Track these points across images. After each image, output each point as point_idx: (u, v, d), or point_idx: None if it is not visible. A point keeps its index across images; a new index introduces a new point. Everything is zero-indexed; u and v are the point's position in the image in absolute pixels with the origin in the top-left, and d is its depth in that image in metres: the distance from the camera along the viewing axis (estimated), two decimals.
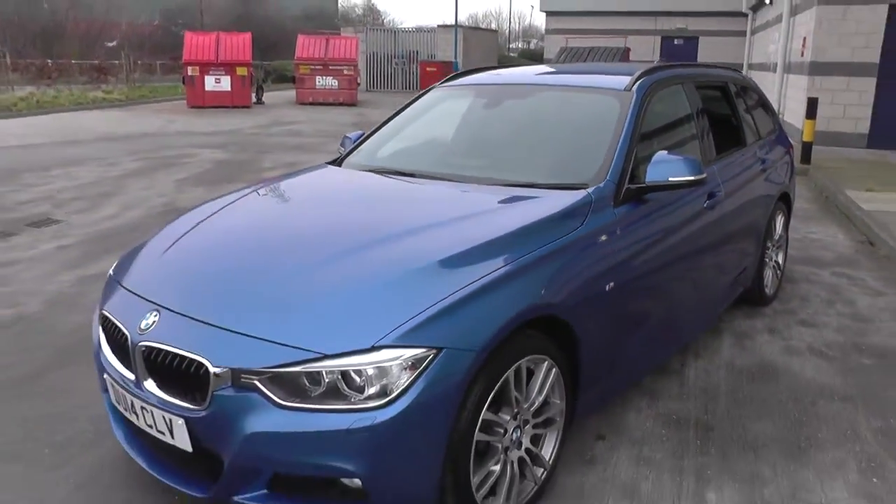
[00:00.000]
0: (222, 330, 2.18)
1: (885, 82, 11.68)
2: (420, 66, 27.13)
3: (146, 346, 2.26)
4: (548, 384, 2.48)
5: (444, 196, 3.08)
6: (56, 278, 5.15)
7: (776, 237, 4.74)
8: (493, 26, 59.24)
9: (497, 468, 2.36)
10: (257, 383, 2.06)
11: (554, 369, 2.49)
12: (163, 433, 2.26)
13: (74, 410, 3.26)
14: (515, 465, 2.44)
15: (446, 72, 26.51)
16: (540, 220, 2.65)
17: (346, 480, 2.10)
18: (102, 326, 2.57)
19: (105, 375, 2.50)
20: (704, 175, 3.06)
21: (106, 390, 2.60)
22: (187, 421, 2.16)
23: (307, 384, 2.06)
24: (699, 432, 3.13)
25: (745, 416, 3.27)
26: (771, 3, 19.35)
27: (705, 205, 3.53)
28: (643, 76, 3.49)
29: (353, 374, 2.04)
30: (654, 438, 3.07)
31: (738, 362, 3.85)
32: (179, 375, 2.19)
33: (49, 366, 3.72)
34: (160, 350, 2.23)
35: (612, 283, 2.73)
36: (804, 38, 13.07)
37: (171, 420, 2.21)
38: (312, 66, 22.75)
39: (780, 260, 4.90)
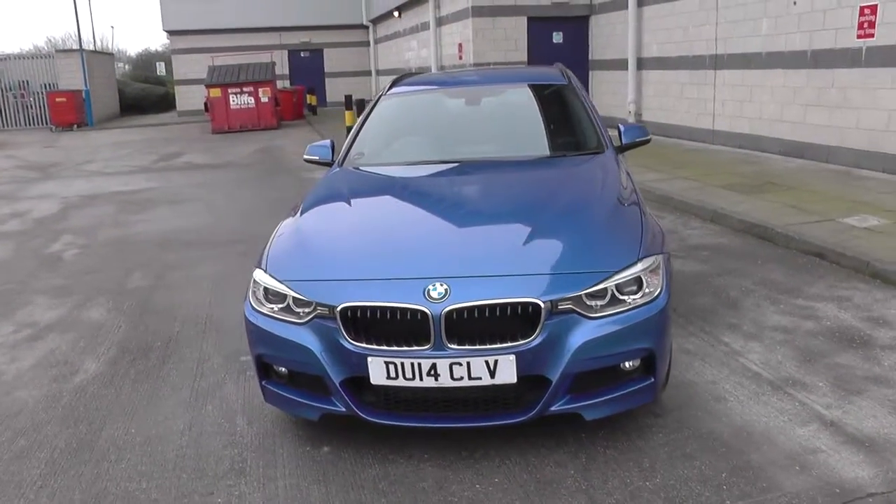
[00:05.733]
0: (523, 276, 2.75)
1: None
2: (48, 97, 23.85)
3: (452, 310, 2.66)
4: None
5: (529, 170, 3.89)
6: None
7: None
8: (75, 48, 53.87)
9: None
10: (572, 305, 2.70)
11: None
12: (479, 378, 2.67)
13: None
14: None
15: (77, 102, 23.91)
16: (618, 170, 3.70)
17: (625, 365, 2.86)
18: (344, 319, 2.77)
19: (371, 359, 2.73)
20: (650, 136, 4.38)
21: (343, 382, 2.82)
22: (518, 355, 2.66)
23: (599, 297, 2.75)
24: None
25: (686, 297, 4.71)
26: (400, 16, 22.10)
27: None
28: (563, 70, 4.68)
29: (629, 282, 2.81)
30: None
31: None
32: (492, 323, 2.66)
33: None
34: (469, 308, 2.65)
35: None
36: (460, 45, 15.64)
37: (495, 361, 2.65)
38: None
39: None
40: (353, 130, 4.48)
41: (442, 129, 4.52)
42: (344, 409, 2.88)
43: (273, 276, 3.03)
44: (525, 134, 4.31)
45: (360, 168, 4.15)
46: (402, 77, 5.01)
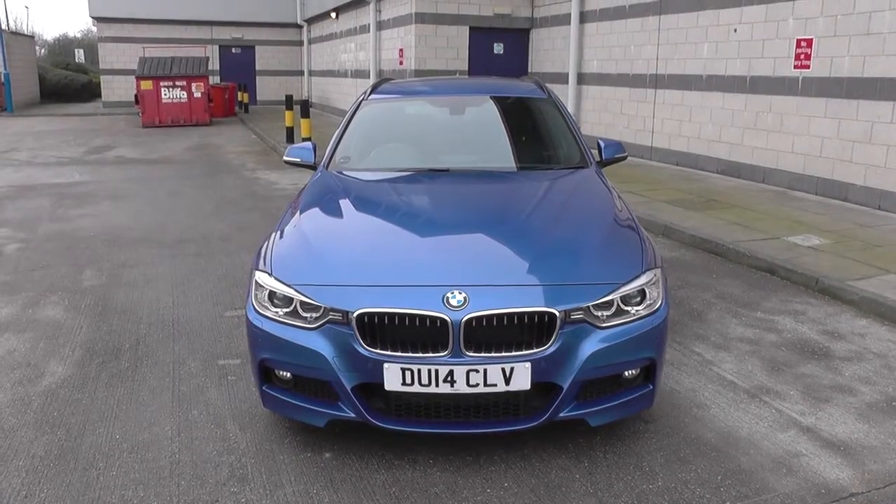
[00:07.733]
0: (537, 286, 2.83)
1: None
2: None
3: (472, 318, 2.69)
4: None
5: (525, 182, 4.00)
6: None
7: None
8: None
9: None
10: (583, 315, 2.79)
11: None
12: (494, 384, 2.72)
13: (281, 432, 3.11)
14: None
15: None
16: (607, 184, 3.83)
17: (627, 373, 2.97)
18: (360, 325, 2.77)
19: (387, 365, 2.74)
20: (627, 153, 4.55)
21: (354, 388, 2.81)
22: (533, 362, 2.72)
23: (606, 308, 2.85)
24: None
25: None
26: (337, 17, 21.91)
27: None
28: (540, 84, 4.81)
29: (633, 294, 2.92)
30: None
31: None
32: (507, 331, 2.72)
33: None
34: (489, 316, 2.69)
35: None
36: (401, 50, 15.65)
37: (511, 369, 2.70)
38: None
39: None
40: (336, 134, 4.45)
41: (429, 137, 4.55)
42: (354, 415, 2.87)
43: (280, 280, 2.98)
44: (513, 146, 4.40)
45: (347, 172, 4.13)
46: (381, 82, 5.02)
